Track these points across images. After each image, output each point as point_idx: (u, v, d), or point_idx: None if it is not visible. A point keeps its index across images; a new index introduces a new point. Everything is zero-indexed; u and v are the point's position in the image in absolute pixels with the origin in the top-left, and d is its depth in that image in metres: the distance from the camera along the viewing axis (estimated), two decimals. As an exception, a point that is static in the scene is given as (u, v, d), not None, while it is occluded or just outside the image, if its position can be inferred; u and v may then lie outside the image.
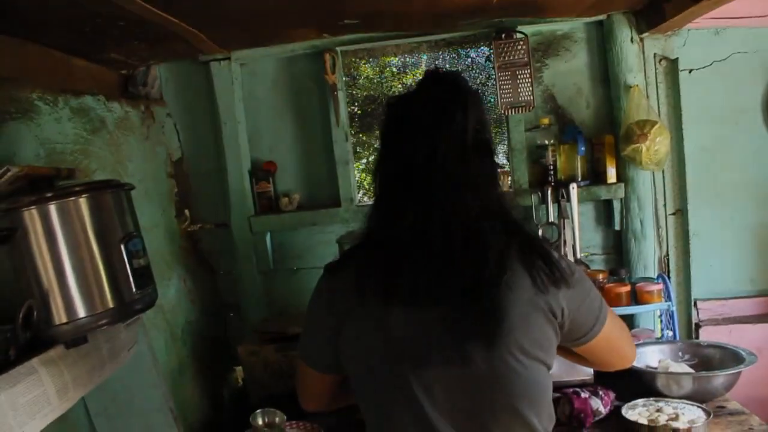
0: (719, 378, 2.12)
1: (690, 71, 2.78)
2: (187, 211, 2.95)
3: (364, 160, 3.19)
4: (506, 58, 2.70)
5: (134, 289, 1.60)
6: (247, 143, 2.95)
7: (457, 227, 1.25)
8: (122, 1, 1.79)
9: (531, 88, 2.71)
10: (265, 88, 2.95)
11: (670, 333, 2.67)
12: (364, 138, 3.11)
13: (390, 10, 2.34)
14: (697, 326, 2.86)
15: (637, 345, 2.41)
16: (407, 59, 3.00)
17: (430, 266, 1.24)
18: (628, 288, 2.57)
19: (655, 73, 2.80)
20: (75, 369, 1.53)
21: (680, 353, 2.41)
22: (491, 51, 2.84)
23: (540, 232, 2.78)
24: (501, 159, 3.07)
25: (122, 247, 1.59)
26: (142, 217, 2.52)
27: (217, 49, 2.72)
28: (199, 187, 3.00)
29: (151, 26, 2.14)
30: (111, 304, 1.55)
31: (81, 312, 1.50)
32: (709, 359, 2.34)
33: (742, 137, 2.82)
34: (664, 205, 2.87)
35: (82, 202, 1.54)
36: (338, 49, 2.81)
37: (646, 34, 2.69)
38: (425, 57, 2.96)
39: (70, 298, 1.50)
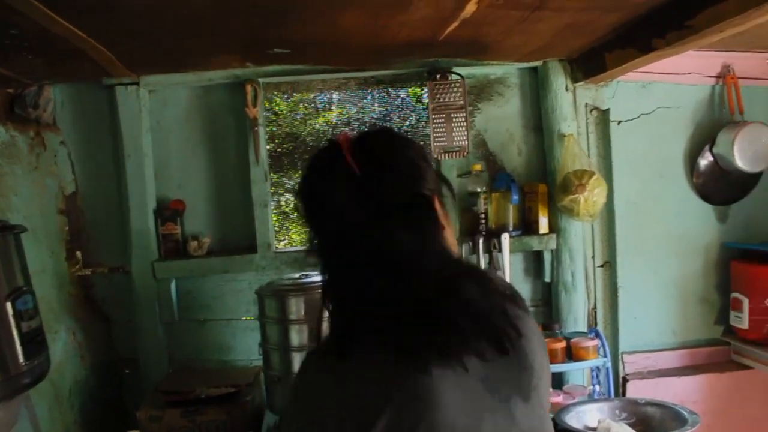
0: (666, 442, 2.03)
1: (619, 122, 2.77)
2: (79, 253, 2.60)
3: (276, 202, 2.95)
4: (441, 100, 2.58)
5: (22, 360, 1.29)
6: (153, 179, 2.65)
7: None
8: (23, 7, 1.50)
9: (466, 133, 2.59)
10: (176, 119, 2.68)
11: (599, 388, 2.59)
12: (277, 178, 2.87)
13: (326, 40, 2.16)
14: (625, 380, 2.80)
15: (573, 404, 2.32)
16: (333, 96, 2.81)
17: (459, 322, 1.02)
18: (563, 344, 2.47)
19: (586, 123, 2.77)
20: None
21: (617, 411, 2.32)
22: (423, 92, 2.72)
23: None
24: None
25: (9, 306, 1.28)
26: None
27: (125, 72, 2.43)
28: (94, 226, 2.65)
29: (53, 39, 1.84)
30: (-9, 380, 1.23)
31: (-52, 391, 1.18)
32: (648, 418, 2.25)
33: (666, 190, 2.84)
34: (593, 257, 2.82)
35: (-41, 248, 1.23)
36: (261, 80, 2.59)
37: (580, 83, 2.66)
38: (352, 94, 2.78)
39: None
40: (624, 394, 2.79)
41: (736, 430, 2.75)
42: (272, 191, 2.82)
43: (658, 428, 2.21)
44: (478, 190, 2.67)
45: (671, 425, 2.17)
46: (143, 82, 2.54)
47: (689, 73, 2.79)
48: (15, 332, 1.28)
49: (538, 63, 2.67)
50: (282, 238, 3.01)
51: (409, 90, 2.83)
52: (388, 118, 2.81)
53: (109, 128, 2.61)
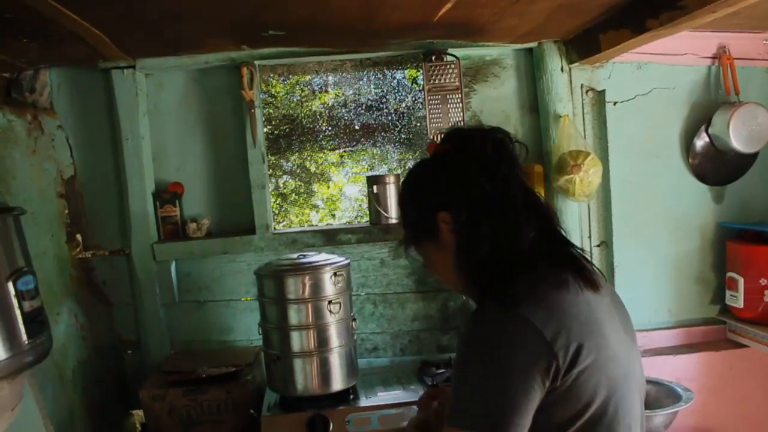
0: (659, 417, 2.07)
1: (615, 103, 2.78)
2: (79, 236, 2.62)
3: (275, 184, 2.97)
4: (436, 81, 2.59)
5: (25, 338, 1.32)
6: (151, 162, 2.67)
7: None
8: (15, -9, 1.51)
9: (462, 114, 2.61)
10: (173, 102, 2.69)
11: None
12: (274, 160, 2.89)
13: (320, 23, 2.16)
14: (620, 359, 2.82)
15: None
16: (329, 78, 2.82)
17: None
18: (559, 322, 2.49)
19: (582, 104, 2.78)
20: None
21: (612, 390, 2.34)
22: (419, 73, 2.73)
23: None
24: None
25: (9, 286, 1.30)
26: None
27: (121, 55, 2.44)
28: (94, 209, 2.67)
29: (47, 23, 1.85)
30: (-7, 358, 1.27)
31: (-48, 369, 1.21)
32: (642, 396, 2.29)
33: (662, 171, 2.84)
34: (589, 237, 2.84)
35: (-41, 230, 1.26)
36: (257, 63, 2.60)
37: (575, 64, 2.66)
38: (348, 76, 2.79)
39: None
40: (620, 372, 2.81)
41: (730, 406, 2.79)
42: (270, 173, 2.84)
43: (654, 405, 2.25)
44: (475, 171, 2.68)
45: (666, 402, 2.20)
46: (139, 65, 2.55)
47: (685, 54, 2.79)
48: (17, 312, 1.31)
49: (533, 44, 2.68)
50: (281, 220, 3.03)
51: (406, 72, 2.84)
52: (384, 100, 2.82)
53: (107, 112, 2.62)
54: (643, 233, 2.85)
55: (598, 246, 2.85)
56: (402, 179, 1.41)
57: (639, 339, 2.77)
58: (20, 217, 1.44)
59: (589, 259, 1.31)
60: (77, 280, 2.58)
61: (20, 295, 1.31)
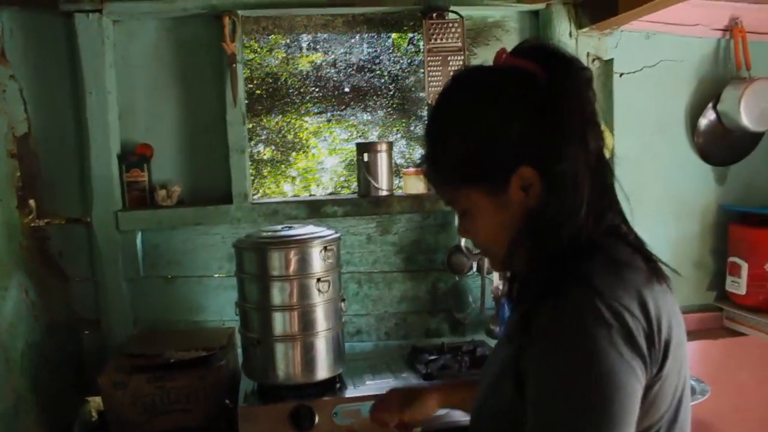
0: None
1: (621, 75, 2.61)
2: (32, 202, 2.34)
3: (256, 150, 2.71)
4: (437, 41, 2.37)
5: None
6: (117, 120, 2.40)
7: None
8: None
9: (464, 78, 2.40)
10: (144, 54, 2.42)
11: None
12: (250, 125, 2.63)
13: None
14: (617, 347, 2.68)
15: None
16: (318, 35, 2.57)
17: None
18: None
19: (588, 74, 2.60)
20: None
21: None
22: (416, 34, 2.51)
23: (462, 242, 2.52)
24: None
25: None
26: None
27: (86, -4, 2.16)
28: (50, 171, 2.39)
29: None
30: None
31: None
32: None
33: (666, 148, 2.69)
34: (587, 216, 2.67)
35: None
36: (240, 12, 2.35)
37: (585, 29, 2.48)
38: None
39: None
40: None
41: (728, 396, 2.67)
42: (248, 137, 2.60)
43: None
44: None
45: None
46: (107, 9, 2.27)
47: (695, 25, 2.63)
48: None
49: (540, 6, 2.48)
50: (255, 191, 2.79)
51: (394, 35, 2.62)
52: (377, 60, 2.59)
53: (68, 62, 2.34)
54: (643, 213, 2.65)
55: (599, 226, 2.69)
56: (447, 88, 1.06)
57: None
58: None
59: None
60: (29, 250, 2.30)
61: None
